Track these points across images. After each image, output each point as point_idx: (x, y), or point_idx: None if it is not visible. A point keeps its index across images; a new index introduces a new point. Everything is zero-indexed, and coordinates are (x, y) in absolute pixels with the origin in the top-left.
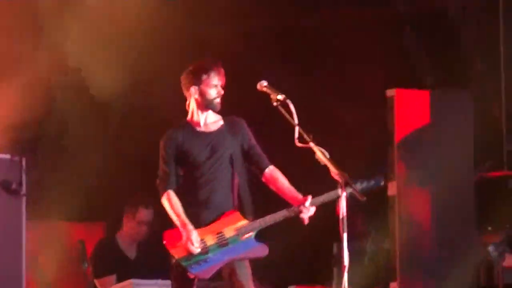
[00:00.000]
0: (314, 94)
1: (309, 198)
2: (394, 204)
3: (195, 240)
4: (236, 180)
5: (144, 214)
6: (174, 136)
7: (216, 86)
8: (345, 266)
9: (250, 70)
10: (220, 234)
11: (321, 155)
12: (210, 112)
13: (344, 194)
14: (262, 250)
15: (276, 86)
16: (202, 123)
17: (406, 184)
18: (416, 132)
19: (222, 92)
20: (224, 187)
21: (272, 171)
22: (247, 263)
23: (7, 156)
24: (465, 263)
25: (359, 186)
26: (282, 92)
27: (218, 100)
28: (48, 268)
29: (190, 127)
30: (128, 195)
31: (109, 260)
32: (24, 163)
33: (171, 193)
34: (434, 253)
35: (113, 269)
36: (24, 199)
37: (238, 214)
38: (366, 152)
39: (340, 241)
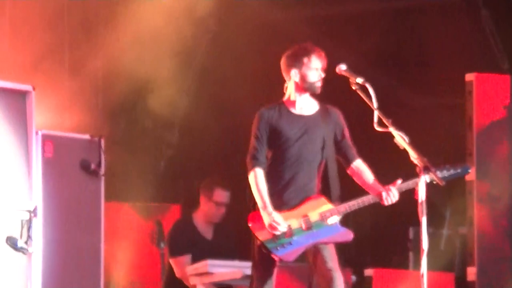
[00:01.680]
0: (390, 81)
1: (397, 182)
2: (472, 189)
3: (280, 222)
4: (323, 165)
5: (221, 195)
6: (267, 115)
7: (317, 69)
8: (423, 250)
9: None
10: (305, 218)
11: (400, 139)
12: (307, 96)
13: (424, 178)
14: (346, 235)
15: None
16: (298, 106)
17: (485, 169)
18: (495, 117)
19: (323, 75)
20: (310, 170)
21: (359, 165)
22: (332, 245)
23: (87, 136)
24: None
25: (446, 173)
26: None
27: (319, 83)
28: (126, 249)
29: (285, 108)
30: (205, 176)
31: (185, 240)
32: (103, 143)
33: (259, 172)
34: (511, 238)
35: (189, 249)
36: (103, 180)
37: (323, 198)
38: (445, 138)
39: (416, 225)
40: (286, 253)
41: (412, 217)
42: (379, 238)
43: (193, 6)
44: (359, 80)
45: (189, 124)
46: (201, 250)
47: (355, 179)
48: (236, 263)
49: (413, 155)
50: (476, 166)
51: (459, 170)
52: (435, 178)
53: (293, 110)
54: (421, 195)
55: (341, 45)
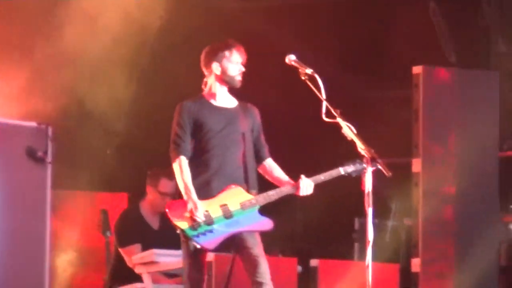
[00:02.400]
0: (337, 72)
1: (302, 176)
2: (418, 181)
3: (200, 210)
4: (245, 156)
5: (167, 185)
6: (189, 106)
7: (237, 63)
8: (369, 241)
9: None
10: (224, 207)
11: (348, 130)
12: (226, 91)
13: (370, 169)
14: (266, 224)
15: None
16: (218, 99)
17: (430, 161)
18: (442, 109)
19: (243, 69)
20: (235, 160)
21: (271, 162)
22: (256, 233)
23: (33, 124)
24: (487, 241)
25: (347, 169)
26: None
27: (239, 77)
28: (72, 237)
29: (206, 101)
30: (152, 165)
31: (134, 229)
32: (50, 131)
33: (184, 160)
34: (456, 231)
35: (138, 239)
36: (49, 167)
37: (240, 188)
38: (392, 130)
39: (362, 216)
40: (207, 241)
41: (358, 208)
42: (325, 228)
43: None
44: (308, 70)
45: (137, 113)
46: (148, 240)
47: (267, 176)
48: (182, 252)
49: (361, 146)
50: (423, 158)
51: (358, 166)
52: (382, 169)
53: (214, 102)
54: (368, 186)
55: (291, 35)
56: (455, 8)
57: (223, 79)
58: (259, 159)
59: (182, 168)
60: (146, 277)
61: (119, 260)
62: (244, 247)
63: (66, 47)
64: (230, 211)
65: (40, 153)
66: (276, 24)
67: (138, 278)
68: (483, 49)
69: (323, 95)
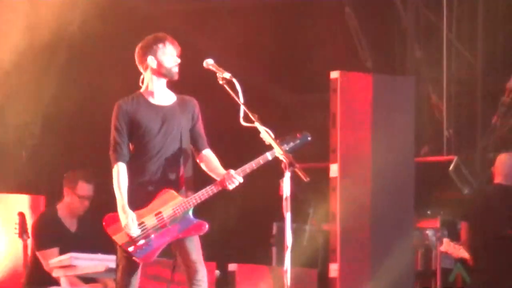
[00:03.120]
0: (256, 76)
1: (230, 170)
2: (335, 185)
3: (135, 224)
4: (182, 155)
5: (84, 188)
6: (125, 106)
7: (172, 55)
8: (287, 246)
9: (192, 49)
10: (159, 215)
11: (266, 135)
12: (164, 86)
13: (288, 174)
14: (201, 227)
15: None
16: (156, 96)
17: (348, 166)
18: (358, 114)
19: (179, 61)
20: (172, 162)
21: (208, 153)
22: (196, 237)
23: None
24: (403, 246)
25: (286, 146)
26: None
27: (176, 69)
28: None
29: (143, 98)
30: (69, 167)
31: (51, 232)
32: None
33: (122, 166)
34: (373, 236)
35: (55, 242)
36: None
37: (172, 192)
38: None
39: (280, 220)
40: (146, 255)
41: (276, 212)
42: (243, 233)
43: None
44: (226, 75)
45: (53, 114)
46: (66, 243)
47: (203, 166)
48: (100, 256)
49: (279, 151)
50: (340, 163)
51: (298, 141)
52: (299, 174)
53: (151, 100)
54: (286, 190)
55: (210, 39)
56: (371, 14)
57: (160, 72)
58: (196, 150)
59: (119, 176)
60: (63, 281)
61: (36, 263)
62: (183, 252)
63: None
64: (164, 219)
65: None
66: (193, 27)
67: (55, 282)
68: (399, 55)
69: (241, 99)
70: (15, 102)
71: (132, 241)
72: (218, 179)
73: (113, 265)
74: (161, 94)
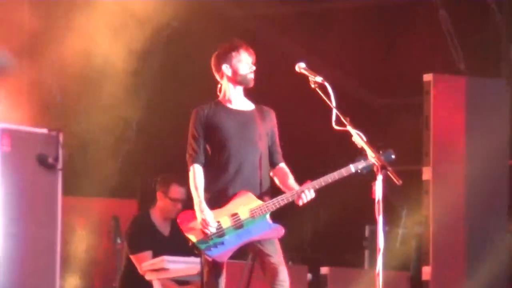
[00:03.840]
0: (347, 80)
1: (309, 181)
2: (428, 188)
3: (211, 221)
4: (261, 160)
5: (177, 191)
6: (203, 112)
7: (247, 62)
8: (379, 249)
9: (280, 54)
10: (235, 216)
11: (358, 138)
12: (241, 93)
13: (381, 177)
14: (277, 232)
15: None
16: (234, 102)
17: (441, 169)
18: (452, 117)
19: (254, 68)
20: (252, 163)
21: (283, 167)
22: (276, 240)
23: (44, 131)
24: (497, 249)
25: (359, 165)
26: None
27: (251, 75)
28: (82, 243)
29: (221, 104)
30: (162, 172)
31: (144, 236)
32: (61, 138)
33: (198, 168)
34: (466, 239)
35: (149, 245)
36: (60, 174)
37: (250, 194)
38: (402, 137)
39: (372, 223)
40: (219, 254)
41: (368, 215)
42: (335, 236)
43: (153, 5)
44: (318, 78)
45: (147, 120)
46: (159, 247)
47: (277, 180)
48: (192, 259)
49: (371, 154)
50: (433, 166)
51: (382, 157)
52: (392, 177)
53: (229, 106)
54: (378, 193)
55: (301, 43)
56: (466, 16)
57: (236, 79)
58: (272, 164)
59: (195, 177)
60: (156, 284)
61: (130, 267)
62: (263, 254)
63: (74, 54)
64: (240, 221)
65: (51, 160)
66: (282, 31)
67: (148, 285)
68: (493, 57)
69: (333, 103)
70: (110, 108)
71: (206, 239)
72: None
73: None
74: (239, 101)
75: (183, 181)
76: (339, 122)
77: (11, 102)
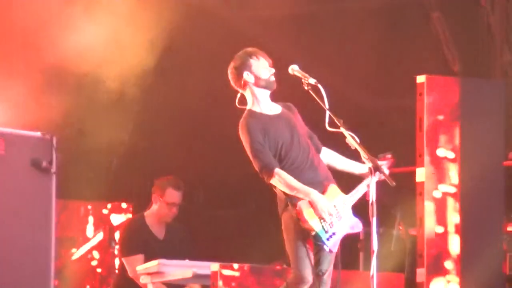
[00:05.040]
0: (340, 82)
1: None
2: (422, 190)
3: (330, 206)
4: (315, 156)
5: (173, 195)
6: (254, 125)
7: (266, 66)
8: (373, 251)
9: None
10: (335, 207)
11: (351, 139)
12: (267, 95)
13: (374, 179)
14: (359, 225)
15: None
16: (267, 107)
17: (435, 171)
18: (446, 119)
19: (274, 70)
20: (312, 164)
21: (327, 150)
22: None
23: (38, 134)
24: (493, 250)
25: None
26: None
27: (273, 78)
28: (77, 247)
29: (259, 114)
30: (157, 175)
31: (138, 239)
32: (55, 141)
33: (280, 171)
34: (462, 240)
35: (141, 249)
36: (54, 178)
37: (335, 186)
38: (395, 139)
39: (367, 225)
40: (334, 244)
41: (363, 217)
42: None
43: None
44: (312, 80)
45: (142, 122)
46: (153, 250)
47: (331, 163)
48: (187, 262)
49: (364, 156)
50: (426, 168)
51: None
52: (386, 178)
53: (267, 113)
54: (372, 195)
55: (294, 46)
56: (459, 17)
57: (260, 84)
58: (318, 150)
59: (283, 177)
60: None
61: (124, 270)
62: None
63: (69, 57)
64: (339, 212)
65: (45, 163)
66: (277, 34)
67: None
68: (488, 58)
69: (327, 105)
70: (104, 110)
71: (324, 228)
72: (351, 168)
73: (200, 271)
74: (268, 105)
75: (179, 185)
76: (332, 124)
77: (7, 106)
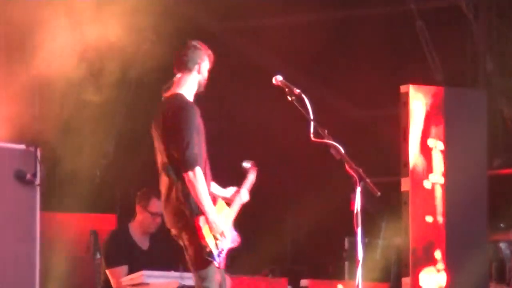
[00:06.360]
0: (325, 92)
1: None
2: (407, 200)
3: (225, 228)
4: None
5: (157, 205)
6: (196, 117)
7: (208, 69)
8: (359, 261)
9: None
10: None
11: (336, 150)
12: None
13: (359, 189)
14: (237, 239)
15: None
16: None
17: (420, 180)
18: (429, 128)
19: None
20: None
21: None
22: None
23: (22, 146)
24: (477, 259)
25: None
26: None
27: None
28: (61, 259)
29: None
30: (141, 186)
31: (121, 250)
32: (39, 153)
33: (200, 171)
34: (446, 249)
35: (125, 260)
36: (38, 190)
37: (221, 200)
38: (380, 148)
39: (352, 235)
40: (222, 259)
41: (348, 227)
42: (315, 248)
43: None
44: (296, 91)
45: (125, 134)
46: (137, 261)
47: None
48: (172, 273)
49: (349, 166)
50: (411, 177)
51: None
52: (370, 188)
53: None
54: (357, 205)
55: (276, 56)
56: (442, 26)
57: (200, 81)
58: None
59: (201, 181)
60: None
61: (108, 282)
62: None
63: (52, 68)
64: (225, 227)
65: (29, 176)
66: (259, 44)
67: None
68: (471, 67)
69: (311, 115)
70: (88, 122)
71: (216, 245)
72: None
73: (185, 282)
74: None
75: None
76: (317, 134)
77: None
